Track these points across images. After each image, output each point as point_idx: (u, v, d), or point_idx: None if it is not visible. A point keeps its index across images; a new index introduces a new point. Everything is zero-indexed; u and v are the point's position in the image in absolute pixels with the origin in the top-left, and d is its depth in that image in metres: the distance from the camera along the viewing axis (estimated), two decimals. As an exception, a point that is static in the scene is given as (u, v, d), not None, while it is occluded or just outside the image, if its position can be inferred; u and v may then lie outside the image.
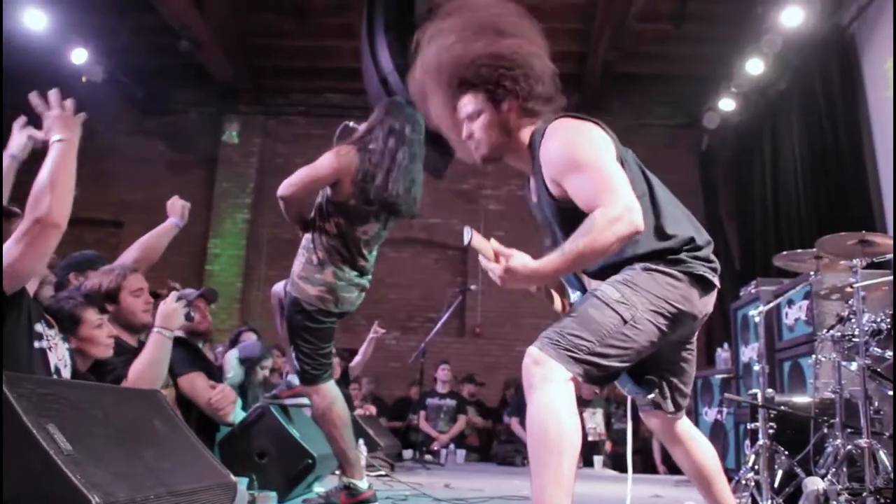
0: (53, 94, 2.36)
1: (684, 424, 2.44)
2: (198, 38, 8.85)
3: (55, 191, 2.18)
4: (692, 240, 2.17)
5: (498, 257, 2.04)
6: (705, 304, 2.19)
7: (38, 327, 2.51)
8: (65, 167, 2.25)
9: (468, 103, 2.32)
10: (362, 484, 3.55)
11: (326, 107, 10.69)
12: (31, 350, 2.42)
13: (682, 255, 2.14)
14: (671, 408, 2.37)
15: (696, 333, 2.36)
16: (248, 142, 10.64)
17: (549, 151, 2.17)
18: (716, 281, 2.18)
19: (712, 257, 2.21)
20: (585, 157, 2.10)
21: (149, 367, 3.02)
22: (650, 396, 2.38)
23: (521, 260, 2.01)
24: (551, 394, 1.93)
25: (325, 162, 3.46)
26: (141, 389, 2.68)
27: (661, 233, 2.16)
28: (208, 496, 2.18)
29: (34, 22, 7.78)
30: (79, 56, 8.59)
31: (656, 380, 2.36)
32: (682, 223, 2.21)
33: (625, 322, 2.02)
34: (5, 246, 2.17)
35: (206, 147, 10.69)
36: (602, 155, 2.12)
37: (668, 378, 2.36)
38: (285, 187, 3.44)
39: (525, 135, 2.31)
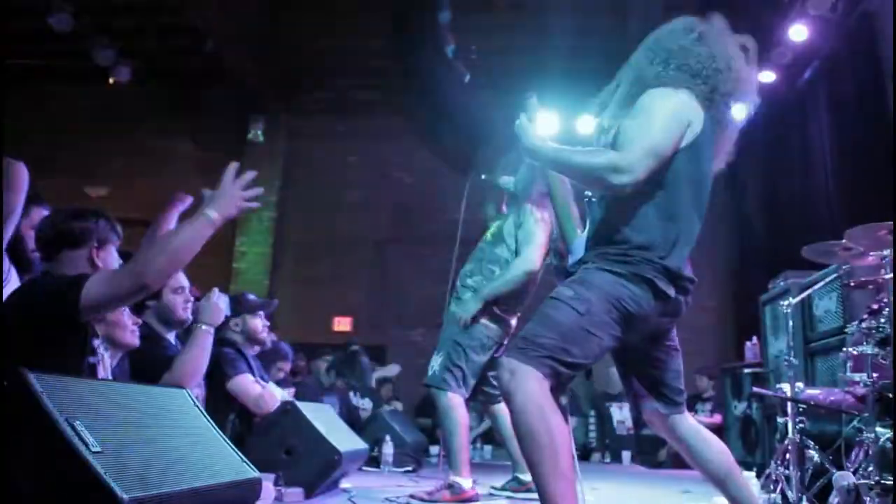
0: (234, 166, 2.54)
1: (686, 422, 2.40)
2: (223, 37, 8.91)
3: (170, 259, 2.28)
4: (659, 251, 2.17)
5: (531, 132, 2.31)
6: (657, 309, 2.17)
7: (93, 341, 2.57)
8: (196, 241, 2.32)
9: None
10: (466, 482, 3.78)
11: (351, 104, 10.70)
12: (83, 366, 2.47)
13: (635, 258, 2.15)
14: (662, 407, 2.37)
15: (673, 331, 2.37)
16: (274, 140, 10.67)
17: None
18: (668, 291, 2.16)
19: (673, 269, 2.18)
20: (649, 112, 2.18)
21: (191, 361, 3.19)
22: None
23: (537, 138, 2.29)
24: (528, 395, 1.98)
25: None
26: (169, 387, 2.71)
27: (650, 230, 2.19)
28: (235, 492, 2.20)
29: (60, 23, 7.86)
30: (105, 57, 8.68)
31: (633, 381, 2.41)
32: (670, 232, 2.20)
33: (581, 315, 2.06)
34: (97, 278, 2.27)
35: (232, 146, 10.75)
36: (664, 119, 2.18)
37: (654, 377, 2.37)
38: None
39: None
